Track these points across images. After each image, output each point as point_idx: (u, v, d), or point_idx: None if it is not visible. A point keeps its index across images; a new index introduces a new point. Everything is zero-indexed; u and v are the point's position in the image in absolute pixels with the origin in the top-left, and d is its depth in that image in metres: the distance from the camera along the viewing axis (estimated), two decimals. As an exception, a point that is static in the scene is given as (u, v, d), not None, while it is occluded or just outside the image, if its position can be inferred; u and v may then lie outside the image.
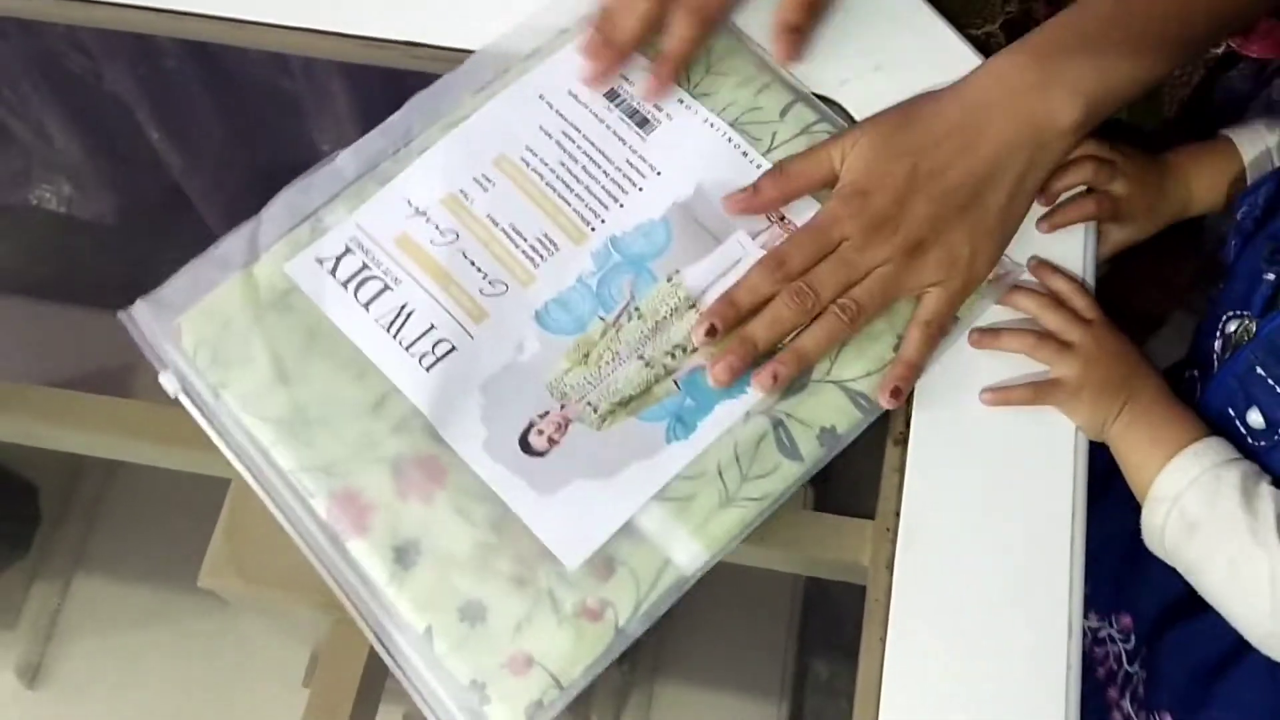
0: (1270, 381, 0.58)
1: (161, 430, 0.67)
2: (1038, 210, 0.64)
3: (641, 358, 0.60)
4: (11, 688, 1.16)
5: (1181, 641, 0.57)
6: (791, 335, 0.59)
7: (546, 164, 0.64)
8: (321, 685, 0.59)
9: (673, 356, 0.60)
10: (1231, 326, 0.61)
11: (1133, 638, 0.70)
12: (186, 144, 1.00)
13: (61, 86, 1.00)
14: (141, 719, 1.17)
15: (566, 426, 0.58)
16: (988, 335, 0.62)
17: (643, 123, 0.65)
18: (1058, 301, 0.62)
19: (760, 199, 0.62)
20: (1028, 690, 0.56)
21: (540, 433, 0.58)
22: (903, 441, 0.60)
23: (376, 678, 0.61)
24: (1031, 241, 0.64)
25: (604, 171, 0.64)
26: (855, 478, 0.62)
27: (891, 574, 0.58)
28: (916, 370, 0.60)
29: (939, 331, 0.60)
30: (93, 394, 0.70)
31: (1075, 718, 0.55)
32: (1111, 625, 0.71)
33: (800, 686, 1.08)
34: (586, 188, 0.64)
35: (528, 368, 0.60)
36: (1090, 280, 0.64)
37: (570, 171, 0.64)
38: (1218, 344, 0.63)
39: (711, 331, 0.59)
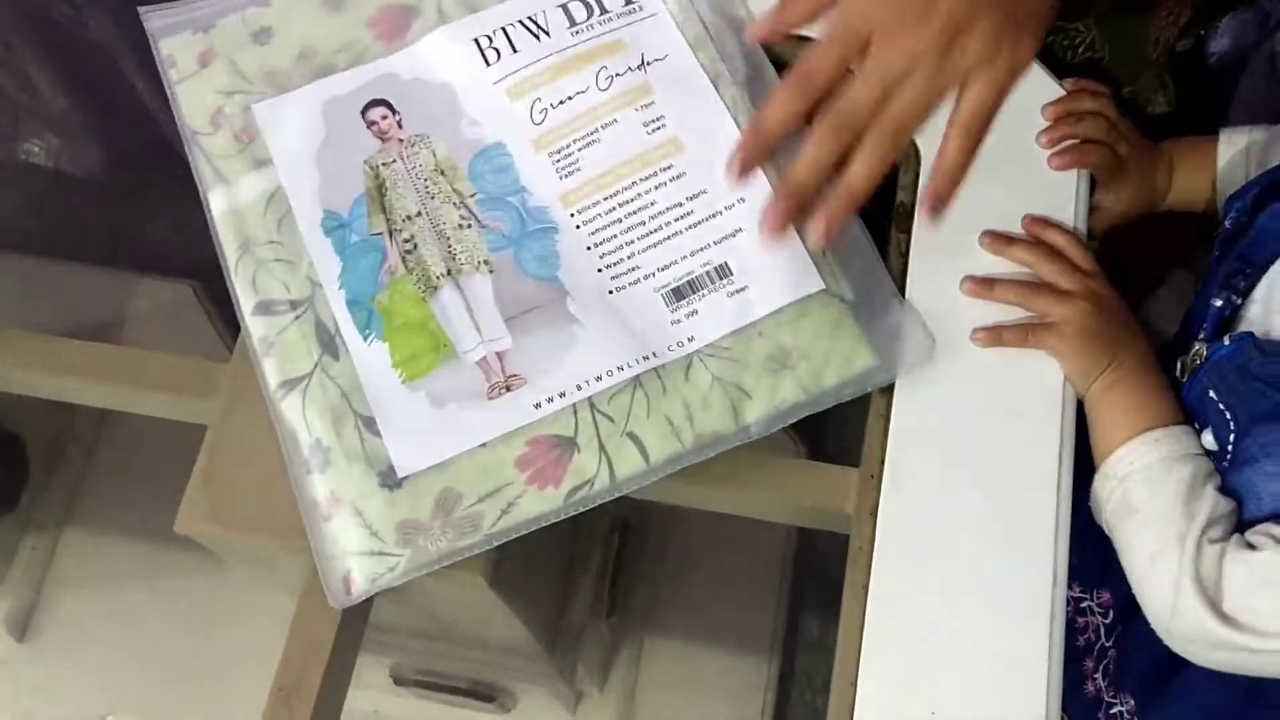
0: (1221, 406, 0.57)
1: (141, 375, 0.67)
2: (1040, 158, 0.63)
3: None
4: (1, 641, 1.16)
5: (1147, 629, 0.56)
6: None
7: None
8: (299, 632, 0.59)
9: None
10: (1195, 348, 0.61)
11: (1110, 613, 0.70)
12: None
13: (47, 37, 0.98)
14: (133, 670, 1.16)
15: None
16: (981, 284, 0.61)
17: None
18: (1054, 253, 0.62)
19: (789, 15, 0.56)
20: (1011, 640, 0.55)
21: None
22: (888, 389, 0.60)
23: (355, 626, 0.61)
24: (1026, 197, 0.63)
25: None
26: (851, 432, 0.61)
27: (875, 521, 0.58)
28: (957, 180, 0.54)
29: (984, 131, 0.54)
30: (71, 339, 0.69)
31: (1059, 668, 0.55)
32: (1092, 599, 0.71)
33: (791, 642, 1.08)
34: None
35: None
36: (1083, 235, 0.63)
37: None
38: (1179, 362, 0.62)
39: (745, 166, 0.55)
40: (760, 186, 0.63)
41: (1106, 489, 0.58)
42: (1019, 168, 0.64)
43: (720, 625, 1.09)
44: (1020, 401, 0.60)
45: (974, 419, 0.59)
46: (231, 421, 0.62)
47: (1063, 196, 0.64)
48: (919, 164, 0.65)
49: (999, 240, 0.62)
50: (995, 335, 0.60)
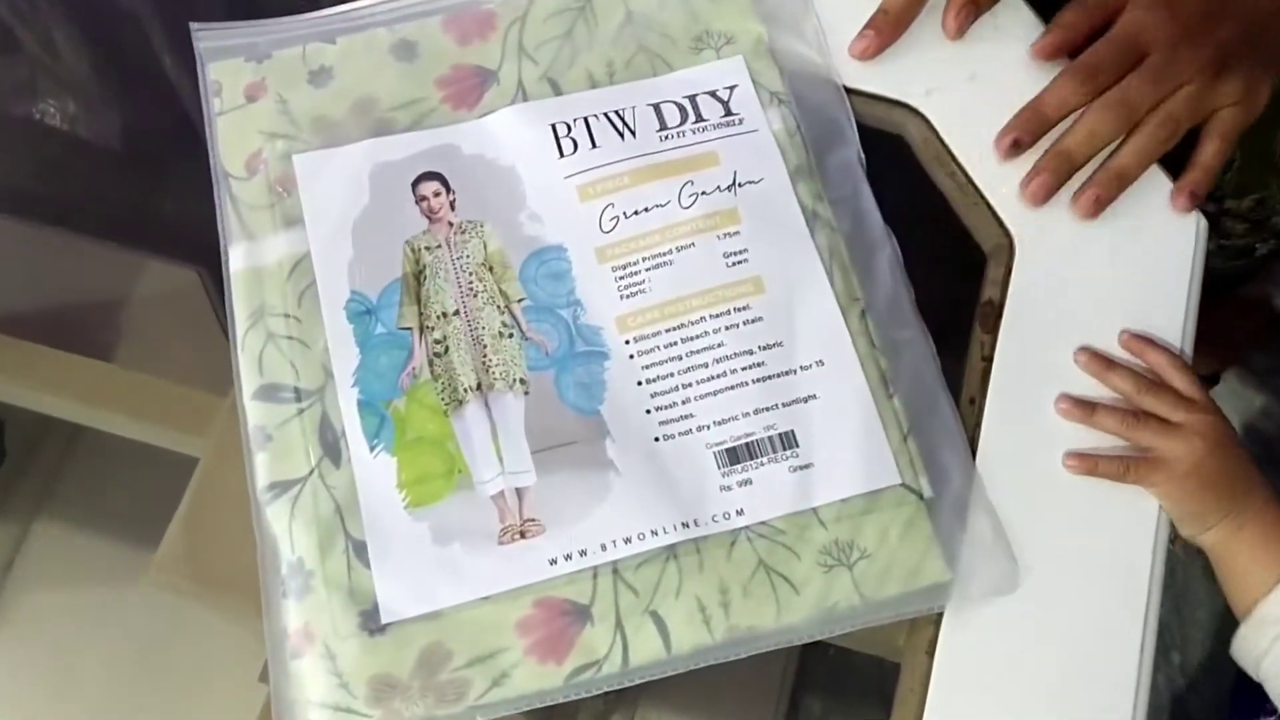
0: None
1: (131, 400, 0.60)
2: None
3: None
4: (-40, 630, 1.09)
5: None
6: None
7: None
8: None
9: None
10: None
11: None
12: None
13: (73, -4, 0.92)
14: (90, 677, 1.10)
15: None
16: (1080, 408, 0.55)
17: None
18: (1156, 381, 0.56)
19: (1071, 32, 0.61)
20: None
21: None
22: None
23: None
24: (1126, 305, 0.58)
25: None
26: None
27: (932, 660, 0.51)
28: (1212, 183, 0.60)
29: (1229, 151, 0.60)
30: (62, 350, 0.63)
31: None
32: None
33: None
34: None
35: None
36: (1189, 352, 0.57)
37: None
38: None
39: (1016, 145, 0.59)
40: (844, 355, 0.55)
41: (1268, 636, 0.54)
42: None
43: (720, 702, 1.03)
44: (1107, 529, 0.54)
45: (1051, 543, 0.53)
46: (222, 466, 0.56)
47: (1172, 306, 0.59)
48: (1011, 258, 0.59)
49: (1097, 361, 0.56)
50: (1090, 463, 0.54)
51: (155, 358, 0.78)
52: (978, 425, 0.55)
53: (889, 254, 0.58)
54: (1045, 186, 0.58)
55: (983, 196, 0.60)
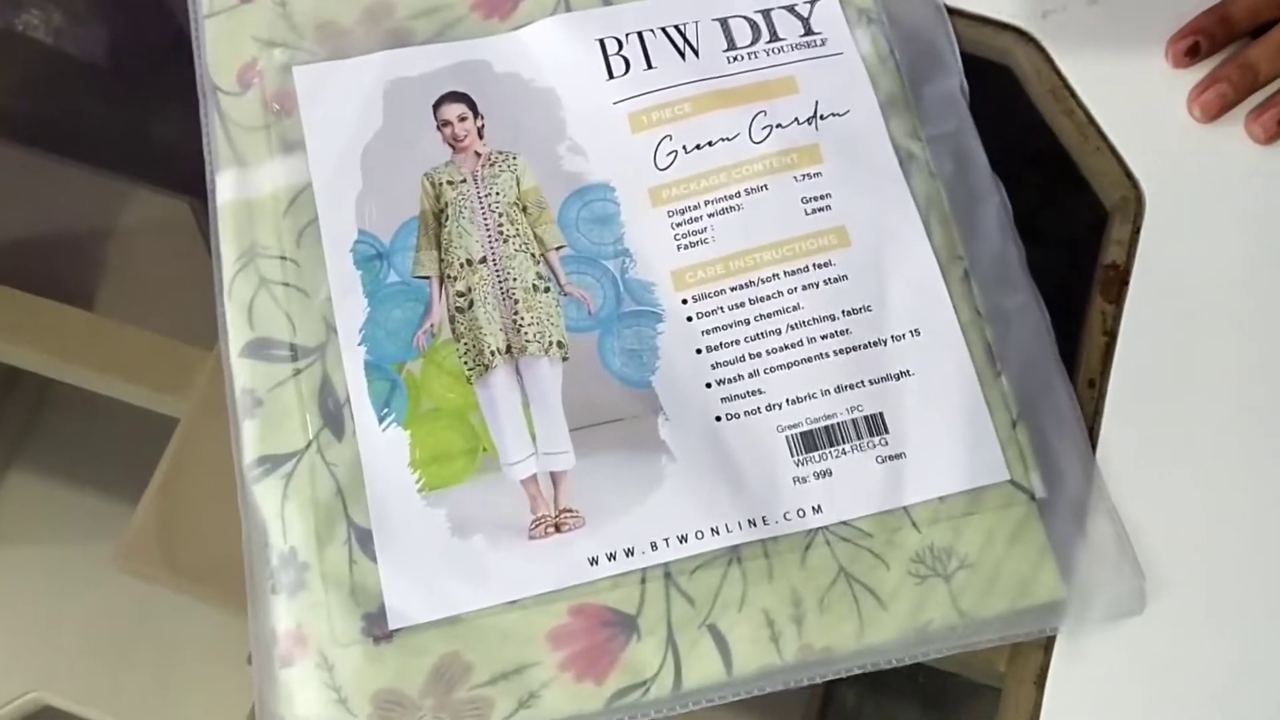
0: None
1: (103, 352, 0.52)
2: None
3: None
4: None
5: None
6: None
7: None
8: None
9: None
10: None
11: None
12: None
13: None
14: (64, 644, 1.02)
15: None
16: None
17: None
18: None
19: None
20: None
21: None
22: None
23: None
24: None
25: None
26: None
27: (1041, 693, 0.43)
28: None
29: None
30: (30, 293, 0.56)
31: None
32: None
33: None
34: None
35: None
36: None
37: None
38: None
39: (1194, 51, 0.51)
40: (944, 324, 0.46)
41: None
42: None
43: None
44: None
45: (1175, 687, 0.44)
46: (204, 432, 0.47)
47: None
48: (1140, 214, 0.50)
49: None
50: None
51: (137, 300, 0.70)
52: (1098, 413, 0.46)
53: (996, 204, 0.49)
54: (1222, 98, 0.50)
55: (1107, 140, 0.51)
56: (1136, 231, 0.49)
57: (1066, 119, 0.51)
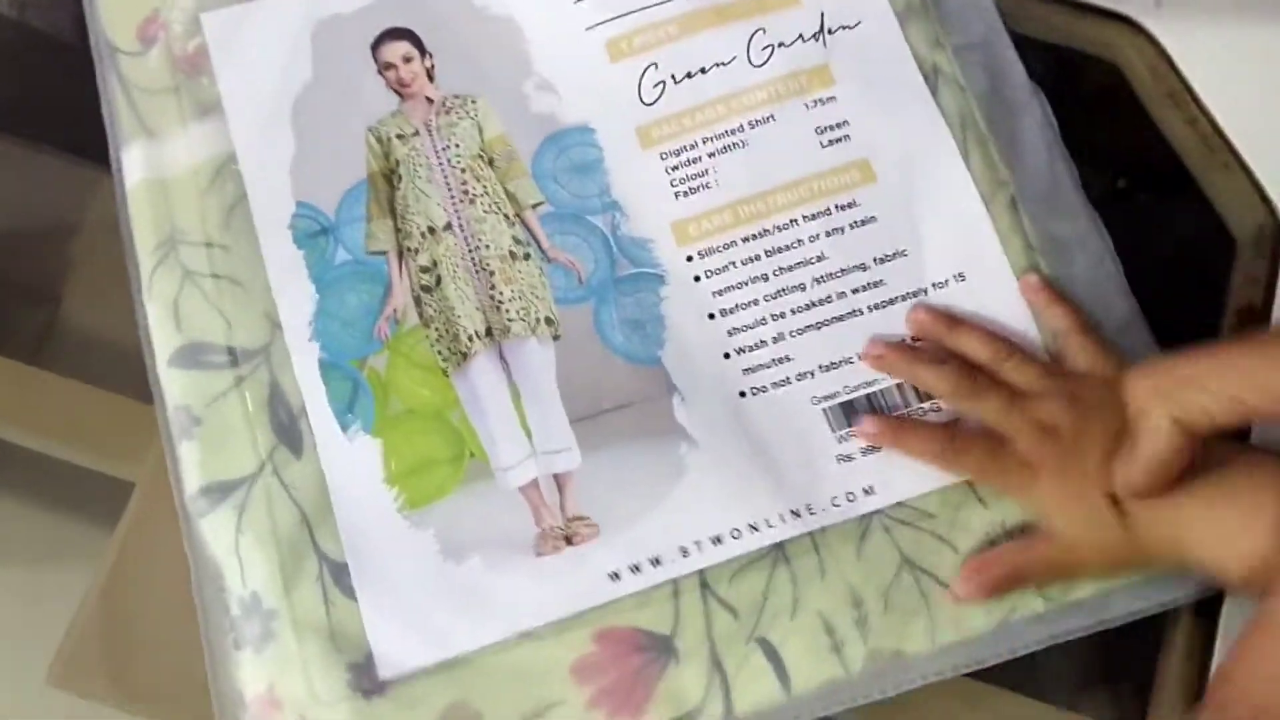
0: None
1: (48, 414, 0.43)
2: None
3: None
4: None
5: None
6: None
7: None
8: None
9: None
10: None
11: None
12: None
13: None
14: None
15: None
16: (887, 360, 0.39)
17: None
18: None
19: None
20: None
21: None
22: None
23: None
24: None
25: None
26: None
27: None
28: None
29: None
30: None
31: None
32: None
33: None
34: None
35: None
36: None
37: None
38: None
39: None
40: (993, 263, 0.40)
41: None
42: None
43: None
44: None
45: None
46: (154, 517, 0.39)
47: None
48: (1279, 245, 0.42)
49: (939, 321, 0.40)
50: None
51: (107, 298, 0.60)
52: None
53: (1039, 118, 0.42)
54: None
55: (1237, 156, 0.42)
56: (1275, 265, 0.41)
57: (1188, 129, 0.43)
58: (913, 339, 0.39)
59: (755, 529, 0.37)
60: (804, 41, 0.42)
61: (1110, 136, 0.42)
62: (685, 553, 0.37)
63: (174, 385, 0.38)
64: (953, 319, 0.39)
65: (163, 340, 0.38)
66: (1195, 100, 0.43)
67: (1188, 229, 0.42)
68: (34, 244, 0.57)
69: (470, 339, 0.39)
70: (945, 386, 0.38)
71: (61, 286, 0.65)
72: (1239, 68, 0.42)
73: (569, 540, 0.37)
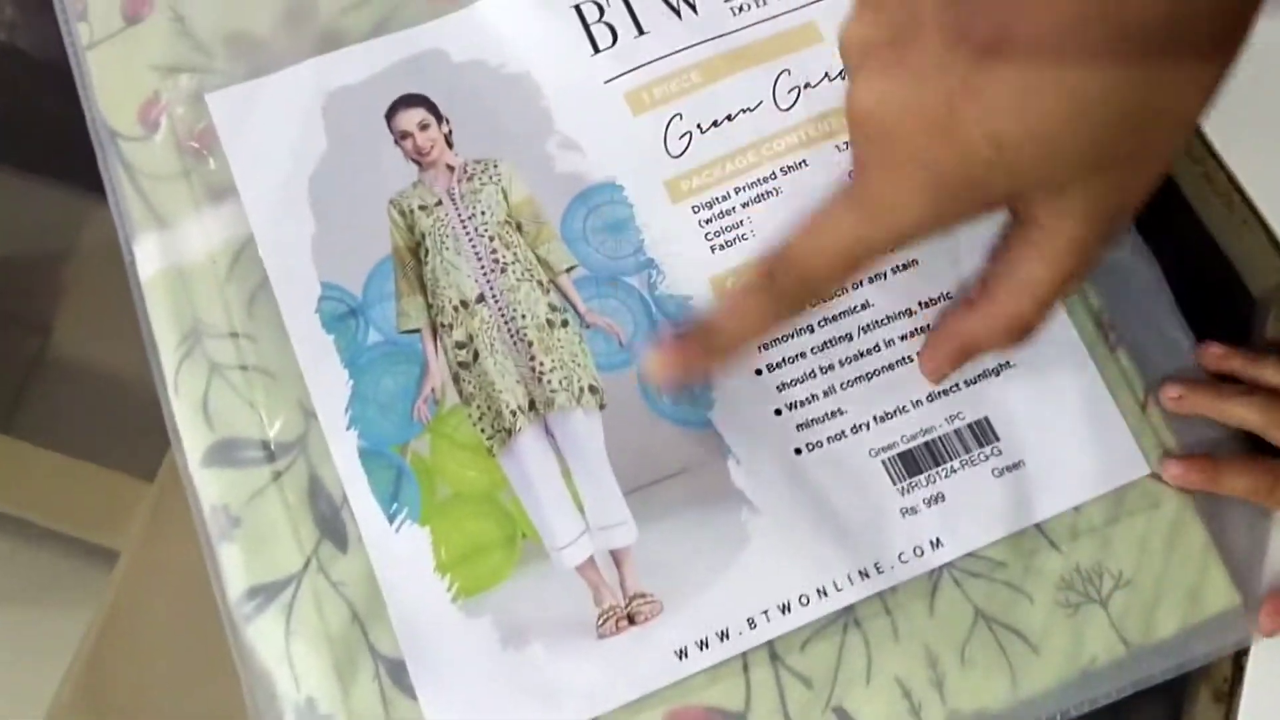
0: None
1: (28, 487, 0.42)
2: None
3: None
4: None
5: None
6: None
7: None
8: None
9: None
10: None
11: None
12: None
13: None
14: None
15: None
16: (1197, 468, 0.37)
17: None
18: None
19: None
20: None
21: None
22: (1226, 697, 0.37)
23: None
24: None
25: None
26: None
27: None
28: None
29: None
30: None
31: None
32: None
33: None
34: None
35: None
36: None
37: None
38: None
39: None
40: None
41: None
42: None
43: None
44: None
45: None
46: (139, 592, 0.38)
47: None
48: None
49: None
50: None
51: (98, 330, 0.58)
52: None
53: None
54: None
55: (1257, 214, 0.40)
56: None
57: (1203, 184, 0.42)
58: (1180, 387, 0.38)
59: (824, 593, 0.36)
60: (829, 80, 0.41)
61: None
62: (753, 624, 0.35)
63: (209, 486, 0.37)
64: (1250, 349, 0.39)
65: (193, 439, 0.37)
66: (1212, 154, 0.41)
67: (1204, 287, 0.40)
68: (24, 271, 0.56)
69: (514, 414, 0.37)
70: (1259, 418, 0.37)
71: (52, 315, 0.63)
72: (1260, 120, 0.40)
73: (631, 619, 0.35)
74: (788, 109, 0.41)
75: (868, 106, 0.29)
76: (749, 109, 0.41)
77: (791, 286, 0.31)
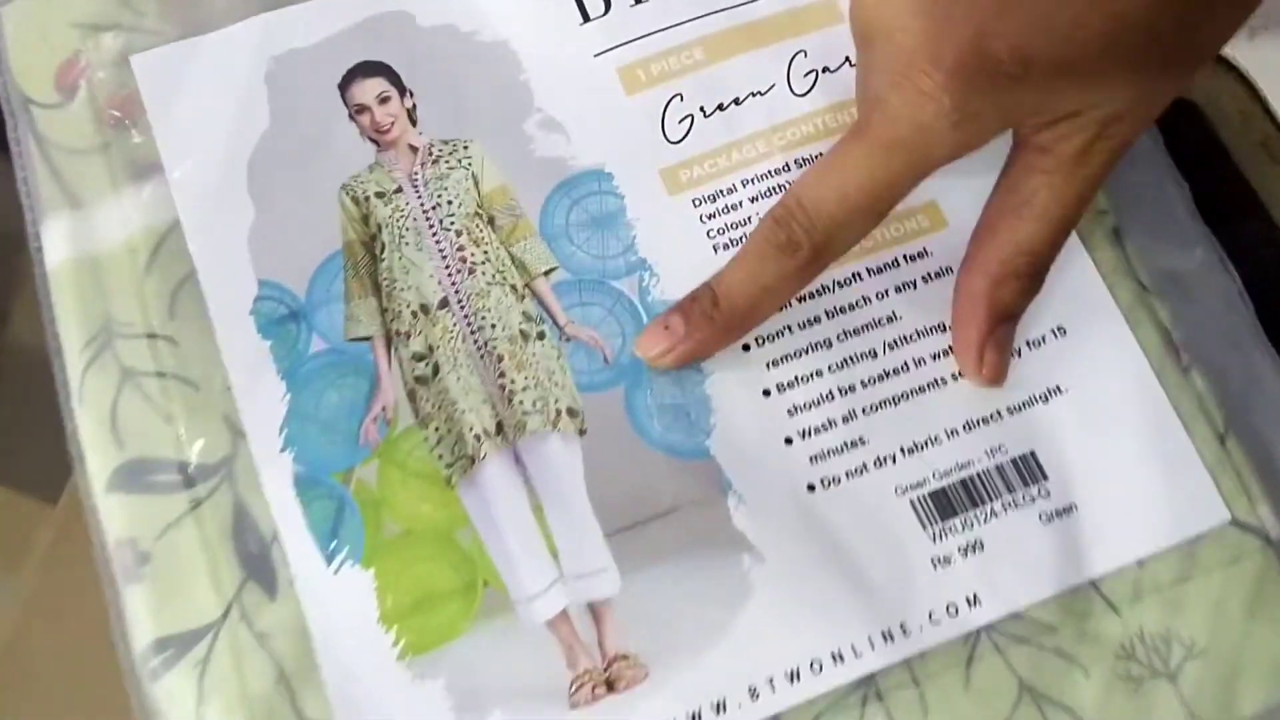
0: None
1: None
2: None
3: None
4: None
5: None
6: None
7: None
8: None
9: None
10: None
11: None
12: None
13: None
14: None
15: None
16: None
17: None
18: None
19: None
20: None
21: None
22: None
23: None
24: None
25: None
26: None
27: None
28: None
29: None
30: None
31: None
32: None
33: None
34: None
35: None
36: None
37: None
38: None
39: None
40: (1098, 310, 0.33)
41: None
42: None
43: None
44: None
45: None
46: (34, 635, 0.32)
47: None
48: None
49: None
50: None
51: None
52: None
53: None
54: None
55: None
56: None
57: None
58: None
59: (839, 659, 0.30)
60: (851, 65, 0.35)
61: (1192, 194, 0.35)
62: (755, 694, 0.30)
63: (115, 515, 0.31)
64: None
65: (99, 459, 0.31)
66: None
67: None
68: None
69: (478, 438, 0.32)
70: None
71: (10, 302, 0.58)
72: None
73: (611, 686, 0.30)
74: (804, 94, 0.35)
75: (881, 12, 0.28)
76: (760, 92, 0.35)
77: (806, 236, 0.30)
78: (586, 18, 0.36)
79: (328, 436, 0.31)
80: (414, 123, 0.35)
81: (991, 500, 0.32)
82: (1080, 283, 0.34)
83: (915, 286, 0.34)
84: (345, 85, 0.35)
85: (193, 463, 0.31)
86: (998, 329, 0.32)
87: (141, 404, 0.32)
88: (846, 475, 0.32)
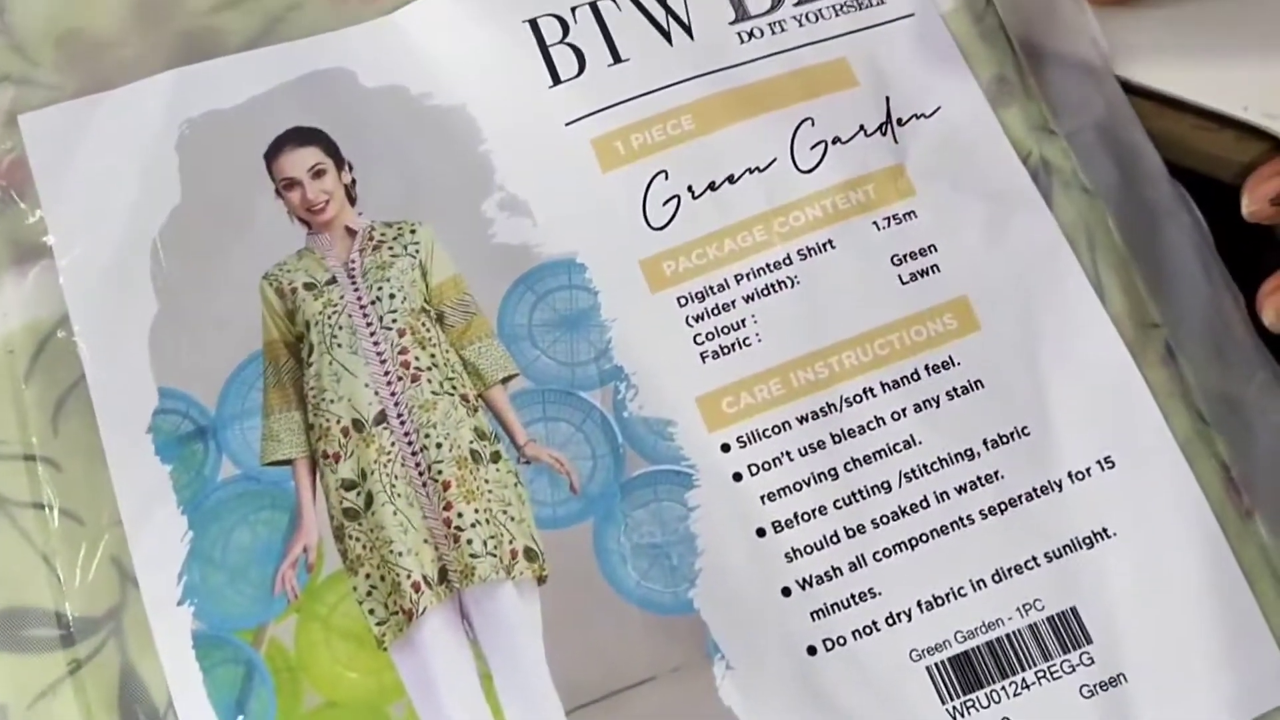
0: None
1: None
2: None
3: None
4: None
5: None
6: None
7: None
8: None
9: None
10: None
11: None
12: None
13: None
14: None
15: None
16: None
17: None
18: None
19: None
20: None
21: None
22: None
23: None
24: None
25: None
26: None
27: None
28: None
29: None
30: None
31: None
32: None
33: None
34: None
35: None
36: None
37: None
38: None
39: None
40: (1149, 441, 0.29)
41: None
42: None
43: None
44: None
45: None
46: None
47: None
48: None
49: None
50: None
51: None
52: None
53: (1188, 227, 0.31)
54: None
55: None
56: None
57: None
58: None
59: None
60: (866, 136, 0.30)
61: (1246, 279, 0.31)
62: None
63: (-23, 680, 0.26)
64: None
65: (-41, 609, 0.26)
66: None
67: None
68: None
69: (416, 588, 0.27)
70: None
71: None
72: None
73: None
74: (810, 170, 0.30)
75: None
76: (758, 168, 0.30)
77: None
78: (557, 79, 0.31)
79: (236, 585, 0.26)
80: (353, 201, 0.30)
81: (1024, 668, 0.27)
82: (1131, 409, 0.29)
83: (938, 404, 0.29)
84: (272, 155, 0.30)
85: (73, 615, 0.26)
86: None
87: (15, 541, 0.27)
88: (854, 635, 0.27)
